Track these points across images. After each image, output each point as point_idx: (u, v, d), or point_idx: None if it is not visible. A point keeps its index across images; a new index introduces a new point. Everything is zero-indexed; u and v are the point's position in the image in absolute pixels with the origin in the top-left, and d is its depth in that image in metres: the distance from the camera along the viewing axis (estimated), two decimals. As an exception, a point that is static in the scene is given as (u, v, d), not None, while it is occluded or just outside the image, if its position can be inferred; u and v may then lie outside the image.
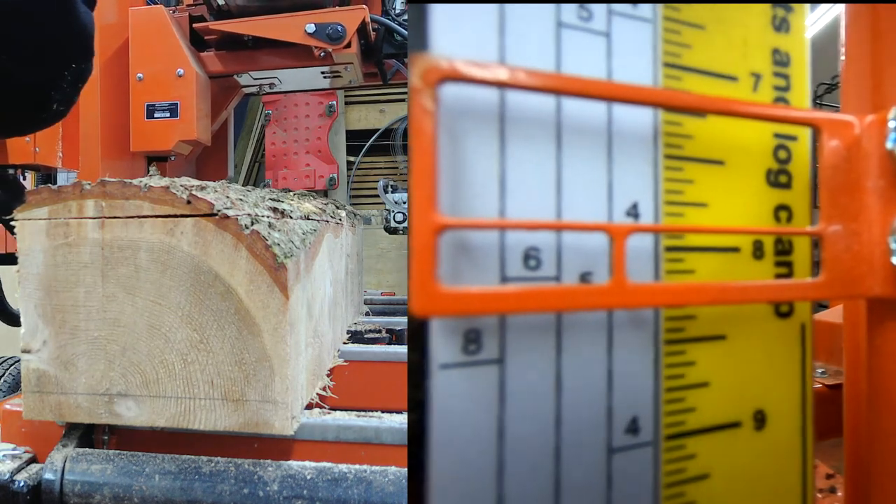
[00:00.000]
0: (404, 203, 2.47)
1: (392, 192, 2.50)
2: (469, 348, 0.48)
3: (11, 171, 1.39)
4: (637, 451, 0.55)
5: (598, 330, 0.54)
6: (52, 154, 1.42)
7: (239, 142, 3.74)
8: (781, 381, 0.61)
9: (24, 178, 1.37)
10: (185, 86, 1.64)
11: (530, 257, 0.51)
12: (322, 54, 1.63)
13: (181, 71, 1.65)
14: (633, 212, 0.55)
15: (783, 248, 0.61)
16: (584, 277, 0.52)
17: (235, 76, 1.82)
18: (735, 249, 0.59)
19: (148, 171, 1.79)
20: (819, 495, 0.96)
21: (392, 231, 2.51)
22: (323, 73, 1.83)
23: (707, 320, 0.58)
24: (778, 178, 0.61)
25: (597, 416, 0.53)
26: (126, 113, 1.67)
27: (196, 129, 1.65)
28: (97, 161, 1.63)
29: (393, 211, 2.48)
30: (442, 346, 0.47)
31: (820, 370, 1.20)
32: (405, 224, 2.50)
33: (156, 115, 1.65)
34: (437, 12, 0.47)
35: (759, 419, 0.60)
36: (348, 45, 1.60)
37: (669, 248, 0.56)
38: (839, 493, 0.96)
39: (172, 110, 1.65)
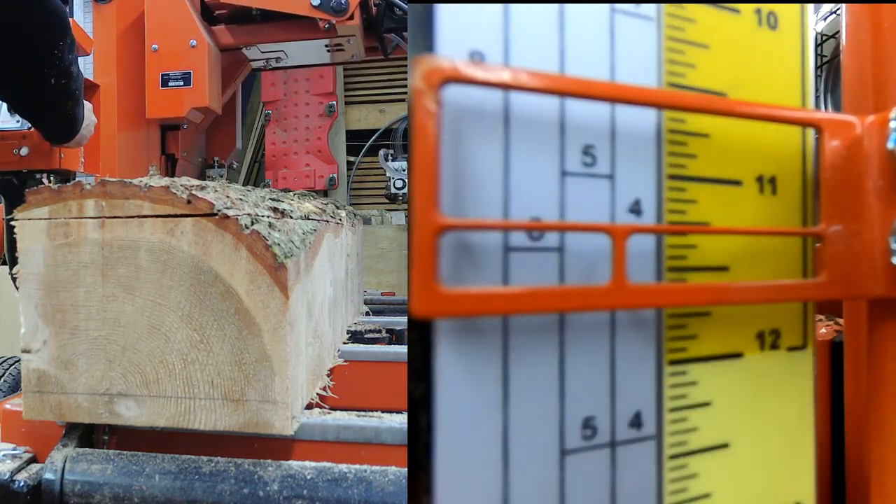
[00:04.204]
0: (404, 170, 2.51)
1: (392, 161, 2.54)
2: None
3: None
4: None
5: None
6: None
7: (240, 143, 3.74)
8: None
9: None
10: (197, 56, 1.75)
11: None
12: (326, 26, 1.72)
13: (194, 42, 1.75)
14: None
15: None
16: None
17: (244, 49, 1.92)
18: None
19: (162, 142, 1.87)
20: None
21: (392, 198, 2.55)
22: (326, 46, 1.91)
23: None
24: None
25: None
26: (141, 82, 1.77)
27: (208, 97, 1.76)
28: (114, 129, 1.72)
29: (393, 178, 2.52)
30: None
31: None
32: (405, 191, 2.53)
33: (170, 84, 1.75)
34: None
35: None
36: (351, 17, 1.70)
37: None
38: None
39: (186, 79, 1.75)
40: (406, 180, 2.50)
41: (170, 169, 1.95)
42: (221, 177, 2.16)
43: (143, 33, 1.77)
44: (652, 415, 0.55)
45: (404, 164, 2.51)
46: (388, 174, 2.56)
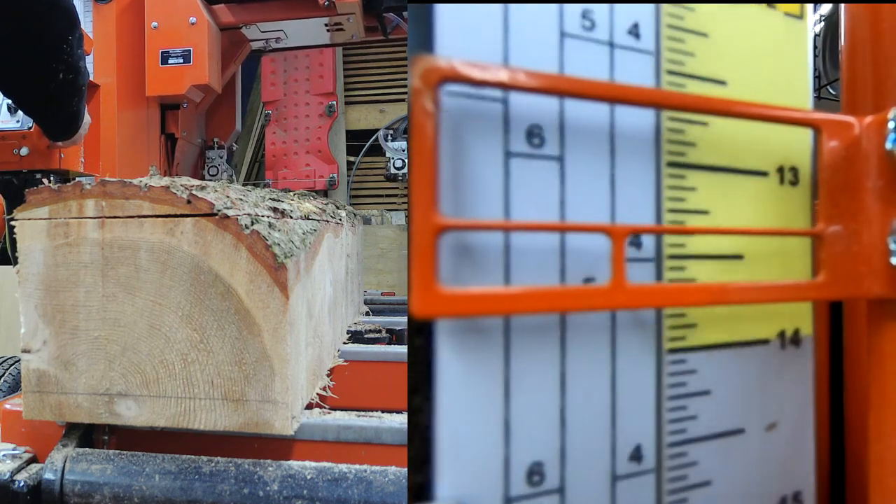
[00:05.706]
0: (403, 150, 2.51)
1: (392, 141, 2.53)
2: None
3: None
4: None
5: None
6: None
7: (239, 141, 3.74)
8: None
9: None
10: (197, 33, 1.76)
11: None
12: (326, 3, 1.74)
13: (193, 19, 1.76)
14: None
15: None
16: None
17: (244, 28, 1.93)
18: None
19: (162, 122, 1.88)
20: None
21: (392, 178, 2.54)
22: (326, 25, 1.92)
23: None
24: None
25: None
26: (141, 60, 1.78)
27: (208, 75, 1.77)
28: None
29: (393, 158, 2.51)
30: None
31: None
32: (405, 171, 2.52)
33: (170, 62, 1.76)
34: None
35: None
36: None
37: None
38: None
39: (186, 56, 1.76)
40: (406, 160, 2.49)
41: (169, 149, 1.96)
42: (221, 157, 2.16)
43: (142, 11, 1.78)
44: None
45: (404, 143, 2.51)
46: (387, 154, 2.56)
